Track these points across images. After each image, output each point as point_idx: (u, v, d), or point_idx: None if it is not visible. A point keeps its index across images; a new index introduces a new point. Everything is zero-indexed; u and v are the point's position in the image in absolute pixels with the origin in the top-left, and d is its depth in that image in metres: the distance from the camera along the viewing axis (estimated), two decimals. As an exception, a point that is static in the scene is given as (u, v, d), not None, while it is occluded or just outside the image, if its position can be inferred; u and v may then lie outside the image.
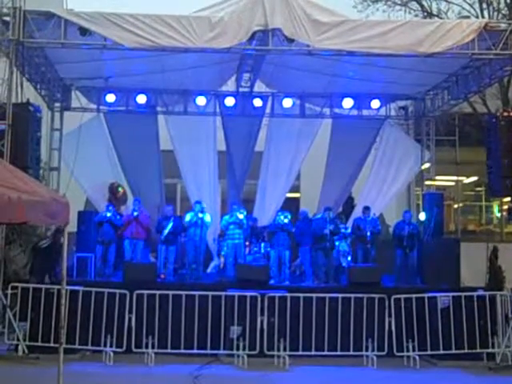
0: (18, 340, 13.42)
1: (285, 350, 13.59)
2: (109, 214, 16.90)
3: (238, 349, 13.60)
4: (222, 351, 13.75)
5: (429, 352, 13.89)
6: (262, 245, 17.79)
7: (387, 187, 19.56)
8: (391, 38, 14.03)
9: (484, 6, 21.62)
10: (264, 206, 19.54)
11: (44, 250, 16.27)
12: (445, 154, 20.19)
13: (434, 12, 22.47)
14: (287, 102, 19.17)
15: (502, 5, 21.61)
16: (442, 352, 13.80)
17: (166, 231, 16.50)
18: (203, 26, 13.81)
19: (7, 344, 13.61)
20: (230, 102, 18.94)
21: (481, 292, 14.46)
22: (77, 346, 13.41)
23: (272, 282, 15.94)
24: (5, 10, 13.94)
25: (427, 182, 19.81)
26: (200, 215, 16.55)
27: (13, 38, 13.67)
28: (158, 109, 19.34)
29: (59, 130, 18.39)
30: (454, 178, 21.93)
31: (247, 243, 17.44)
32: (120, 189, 18.81)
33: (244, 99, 19.01)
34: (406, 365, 13.70)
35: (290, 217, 16.84)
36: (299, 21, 13.81)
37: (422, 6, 22.75)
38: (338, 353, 13.75)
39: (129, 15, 13.81)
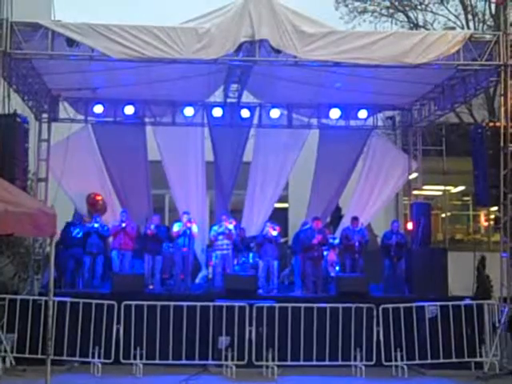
0: (6, 352, 13.34)
1: (273, 360, 13.59)
2: (96, 225, 16.89)
3: (226, 359, 13.59)
4: (210, 361, 13.74)
5: (417, 361, 13.91)
6: (251, 255, 17.82)
7: (375, 197, 19.60)
8: (377, 49, 14.10)
9: (469, 17, 21.80)
10: (252, 216, 19.55)
11: None
12: (432, 164, 20.25)
13: (420, 23, 22.64)
14: (275, 113, 19.21)
15: (487, 16, 21.79)
16: (430, 361, 13.84)
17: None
18: (190, 37, 13.83)
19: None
20: (217, 112, 18.95)
21: (468, 301, 14.52)
22: (64, 358, 13.37)
23: (260, 292, 15.96)
24: (-8, 21, 13.91)
25: (415, 192, 19.86)
26: (188, 225, 16.58)
27: (0, 49, 13.64)
28: (146, 120, 19.32)
29: (47, 141, 18.33)
30: (442, 187, 21.98)
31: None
32: (98, 198, 18.74)
33: (232, 110, 19.03)
34: (395, 374, 13.71)
35: (277, 228, 16.91)
36: (286, 32, 13.86)
37: (408, 17, 22.91)
38: (327, 362, 13.76)
39: (116, 26, 13.81)
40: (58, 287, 14.99)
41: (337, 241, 18.01)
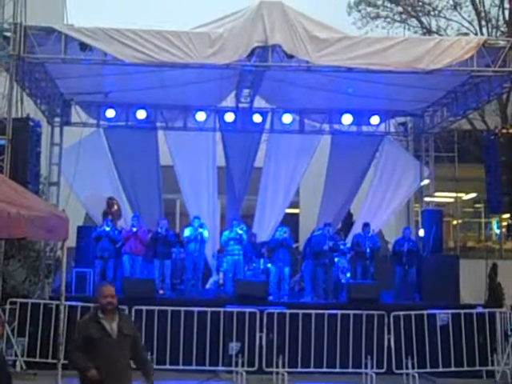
0: (16, 356, 13.37)
1: (283, 366, 13.54)
2: (107, 229, 16.89)
3: (236, 365, 13.56)
4: (220, 367, 13.71)
5: (428, 369, 13.86)
6: (262, 261, 17.77)
7: (386, 203, 19.54)
8: (390, 55, 14.05)
9: (483, 23, 21.73)
10: (263, 221, 19.52)
11: None
12: (444, 171, 20.19)
13: (433, 29, 22.58)
14: (287, 118, 19.17)
15: (501, 22, 21.73)
16: (441, 369, 13.77)
17: None
18: (203, 41, 13.82)
19: (6, 359, 13.53)
20: (229, 117, 18.93)
21: (480, 309, 14.46)
22: (75, 362, 13.33)
23: (271, 298, 15.91)
24: (5, 26, 13.93)
25: (426, 199, 19.77)
26: (200, 230, 16.57)
27: (13, 53, 13.64)
28: (158, 124, 19.33)
29: (59, 145, 18.35)
30: (453, 194, 21.92)
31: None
32: (115, 205, 18.77)
33: (243, 115, 19.01)
34: (406, 382, 13.66)
35: (288, 232, 16.88)
36: (299, 37, 13.83)
37: (421, 22, 22.86)
38: (337, 370, 13.72)
39: (129, 31, 13.82)
40: (68, 291, 14.97)
41: (348, 245, 17.96)
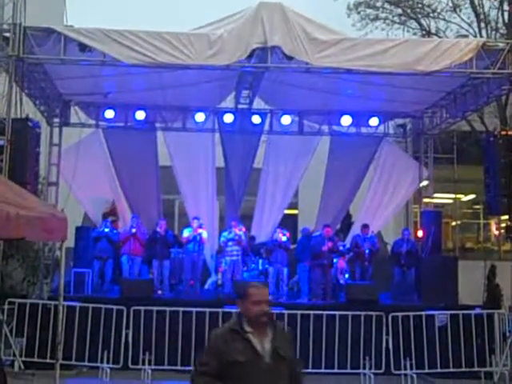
0: (14, 356, 13.38)
1: (282, 367, 13.51)
2: (106, 230, 16.91)
3: (234, 365, 13.53)
4: (219, 368, 13.68)
5: (426, 370, 13.87)
6: (260, 261, 17.79)
7: (385, 204, 19.55)
8: (390, 57, 14.07)
9: (482, 25, 21.77)
10: (262, 222, 19.54)
11: None
12: (443, 172, 20.21)
13: (433, 31, 22.63)
14: (286, 119, 19.19)
15: (500, 24, 21.76)
16: (439, 370, 13.78)
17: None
18: (202, 43, 13.84)
19: (3, 359, 13.55)
20: (228, 118, 18.94)
21: (478, 310, 14.47)
22: (73, 362, 13.39)
23: (269, 298, 15.88)
24: (5, 26, 13.95)
25: (425, 200, 19.79)
26: (199, 231, 16.59)
27: (12, 54, 13.67)
28: (157, 125, 19.34)
29: (58, 146, 18.37)
30: (452, 195, 21.94)
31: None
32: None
33: (243, 116, 19.03)
34: (404, 383, 13.66)
35: (287, 234, 16.90)
36: (298, 38, 13.84)
37: (420, 24, 22.90)
38: (336, 370, 13.74)
39: (128, 32, 13.84)
40: (67, 291, 14.99)
41: (347, 246, 17.98)
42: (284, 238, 16.84)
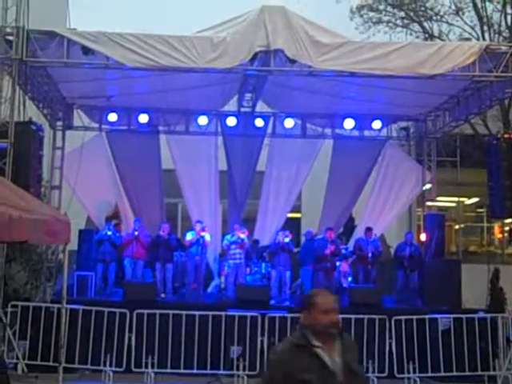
0: (18, 359, 13.37)
1: (285, 370, 13.50)
2: (109, 233, 16.92)
3: (238, 369, 13.56)
4: (222, 371, 13.70)
5: (429, 374, 13.84)
6: (263, 265, 17.78)
7: (388, 208, 19.54)
8: (393, 60, 14.06)
9: (485, 28, 21.77)
10: (265, 225, 19.54)
11: None
12: (446, 175, 20.22)
13: (436, 34, 22.62)
14: (289, 123, 19.18)
15: (503, 27, 21.74)
16: (442, 374, 13.75)
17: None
18: (205, 46, 13.85)
19: (6, 362, 13.55)
20: (231, 121, 18.94)
21: (482, 314, 14.43)
22: (76, 365, 13.38)
23: (272, 302, 15.90)
24: (8, 30, 13.97)
25: (428, 203, 19.78)
26: (202, 234, 16.58)
27: (16, 57, 13.68)
28: (160, 128, 19.35)
29: (61, 149, 18.39)
30: (456, 199, 21.93)
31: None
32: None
33: (246, 119, 19.02)
34: (407, 387, 13.64)
35: (290, 236, 16.88)
36: (301, 42, 13.84)
37: (423, 27, 22.90)
38: (339, 374, 13.67)
39: (131, 35, 13.85)
40: (70, 294, 14.99)
41: (350, 249, 17.96)
42: (287, 240, 16.80)
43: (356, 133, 19.61)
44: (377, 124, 19.29)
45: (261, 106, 18.80)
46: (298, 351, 4.64)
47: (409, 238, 17.43)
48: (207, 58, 13.82)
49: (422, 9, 23.05)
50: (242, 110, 18.71)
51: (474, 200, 23.84)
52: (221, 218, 19.74)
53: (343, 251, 17.74)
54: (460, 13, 22.28)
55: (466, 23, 22.21)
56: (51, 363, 12.67)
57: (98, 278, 16.61)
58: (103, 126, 19.10)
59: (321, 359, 4.60)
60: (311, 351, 4.61)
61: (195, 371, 13.57)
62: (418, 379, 13.60)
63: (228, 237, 17.09)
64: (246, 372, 13.49)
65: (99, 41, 13.70)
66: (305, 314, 4.81)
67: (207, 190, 19.25)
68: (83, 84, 16.15)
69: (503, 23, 21.76)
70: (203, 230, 16.74)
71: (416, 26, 23.00)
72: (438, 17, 22.69)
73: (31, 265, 18.90)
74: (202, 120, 18.91)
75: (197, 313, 13.87)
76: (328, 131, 19.77)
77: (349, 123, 19.05)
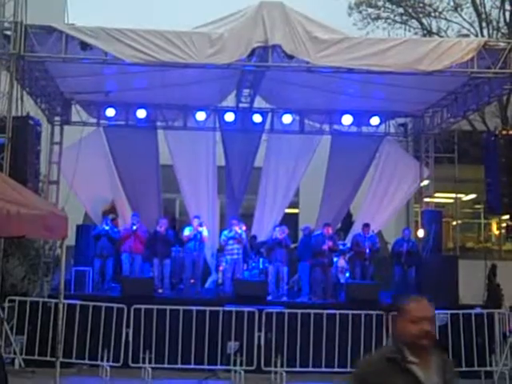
0: (15, 353, 13.39)
1: (282, 365, 13.57)
2: (107, 228, 16.93)
3: (235, 364, 13.58)
4: (219, 366, 13.73)
5: (426, 369, 13.83)
6: (261, 260, 17.79)
7: (386, 204, 19.56)
8: (391, 56, 14.06)
9: (483, 24, 21.74)
10: (263, 221, 19.54)
11: None
12: (444, 172, 20.18)
13: (434, 30, 22.60)
14: (287, 118, 19.18)
15: (502, 24, 21.72)
16: (439, 369, 13.74)
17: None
18: (203, 42, 13.84)
19: (4, 357, 13.54)
20: (229, 117, 18.95)
21: (479, 310, 14.47)
22: (73, 360, 13.40)
23: (270, 297, 15.93)
24: (6, 24, 13.95)
25: (426, 199, 19.79)
26: (199, 229, 16.59)
27: (14, 52, 13.66)
28: (158, 123, 19.35)
29: (59, 144, 18.38)
30: (453, 195, 21.90)
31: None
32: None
33: (244, 115, 19.03)
34: (404, 382, 13.63)
35: (286, 231, 16.88)
36: (299, 38, 13.84)
37: (421, 24, 22.87)
38: (336, 369, 13.72)
39: (129, 30, 13.84)
40: (67, 289, 14.99)
41: (348, 245, 17.98)
42: (283, 235, 16.78)
43: (354, 129, 19.61)
44: (375, 120, 19.30)
45: (259, 102, 18.80)
46: (389, 366, 4.15)
47: (406, 233, 17.45)
48: (205, 54, 13.81)
49: (421, 5, 23.02)
50: (240, 105, 18.70)
51: (472, 196, 23.84)
52: (218, 214, 19.74)
53: (341, 247, 17.76)
54: (458, 9, 22.25)
55: (464, 19, 22.18)
56: (48, 358, 12.68)
57: (96, 273, 16.61)
58: (101, 121, 19.11)
59: (416, 378, 4.09)
60: (405, 368, 4.12)
61: (192, 366, 13.60)
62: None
63: (226, 232, 17.11)
64: (244, 367, 13.52)
65: (97, 36, 13.68)
66: (396, 322, 4.36)
67: (205, 186, 19.25)
68: (81, 79, 16.12)
69: (502, 20, 21.73)
70: (201, 225, 16.76)
71: (414, 23, 22.97)
72: (437, 13, 22.65)
73: (28, 260, 18.91)
74: (200, 115, 18.91)
75: (194, 308, 13.90)
76: (326, 127, 19.77)
77: (347, 119, 19.06)
